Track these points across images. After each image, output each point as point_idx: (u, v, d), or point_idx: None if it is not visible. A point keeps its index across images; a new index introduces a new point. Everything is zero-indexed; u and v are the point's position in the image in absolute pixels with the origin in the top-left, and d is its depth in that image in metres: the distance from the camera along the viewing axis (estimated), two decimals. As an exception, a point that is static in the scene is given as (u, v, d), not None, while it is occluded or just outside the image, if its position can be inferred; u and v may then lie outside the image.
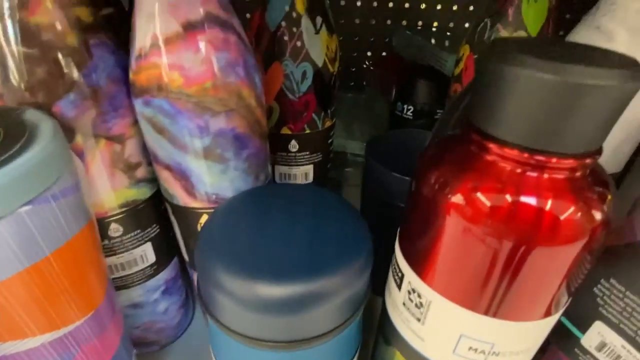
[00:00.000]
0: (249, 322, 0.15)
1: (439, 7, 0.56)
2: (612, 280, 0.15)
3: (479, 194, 0.13)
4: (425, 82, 0.34)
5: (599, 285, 0.16)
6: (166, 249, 0.26)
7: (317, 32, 0.24)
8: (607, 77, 0.10)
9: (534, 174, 0.12)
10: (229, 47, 0.19)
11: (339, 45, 0.27)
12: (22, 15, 0.16)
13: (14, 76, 0.17)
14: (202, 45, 0.18)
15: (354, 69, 0.62)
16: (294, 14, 0.23)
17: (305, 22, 0.24)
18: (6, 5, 0.16)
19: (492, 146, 0.12)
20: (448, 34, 0.53)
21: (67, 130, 0.18)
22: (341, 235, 0.17)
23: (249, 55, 0.20)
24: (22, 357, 0.16)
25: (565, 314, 0.18)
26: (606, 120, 0.11)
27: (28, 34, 0.16)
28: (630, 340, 0.15)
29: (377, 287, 0.30)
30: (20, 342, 0.15)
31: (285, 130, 0.27)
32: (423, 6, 0.56)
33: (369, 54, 0.60)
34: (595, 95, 0.10)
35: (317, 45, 0.24)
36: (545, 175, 0.12)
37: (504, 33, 0.26)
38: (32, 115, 0.16)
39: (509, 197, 0.12)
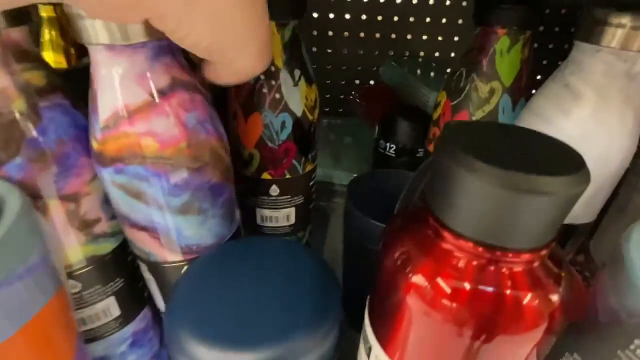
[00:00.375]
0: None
1: (424, 37, 0.57)
2: (576, 355, 0.15)
3: (437, 280, 0.13)
4: (406, 122, 0.35)
5: (563, 359, 0.16)
6: (133, 302, 0.25)
7: (296, 84, 0.25)
8: (553, 185, 0.10)
9: (491, 267, 0.12)
10: (196, 107, 0.19)
11: (324, 82, 0.27)
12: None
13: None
14: (172, 109, 0.18)
15: (342, 97, 0.62)
16: (273, 68, 0.24)
17: (283, 75, 0.24)
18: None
19: (448, 236, 0.12)
20: (433, 64, 0.54)
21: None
22: (309, 296, 0.17)
23: (212, 110, 0.21)
24: None
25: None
26: (558, 217, 0.11)
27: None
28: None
29: (359, 327, 0.30)
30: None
31: (266, 176, 0.28)
32: (409, 36, 0.57)
33: (356, 82, 0.61)
34: (543, 202, 0.10)
35: (296, 96, 0.25)
36: (503, 268, 0.12)
37: (478, 83, 0.27)
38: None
39: (467, 285, 0.12)
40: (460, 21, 0.56)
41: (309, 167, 0.29)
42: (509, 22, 0.25)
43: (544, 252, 0.12)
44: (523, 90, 0.27)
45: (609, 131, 0.22)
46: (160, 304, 0.25)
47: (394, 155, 0.36)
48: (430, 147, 0.31)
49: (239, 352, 0.15)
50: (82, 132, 0.20)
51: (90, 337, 0.24)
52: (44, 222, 0.18)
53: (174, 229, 0.20)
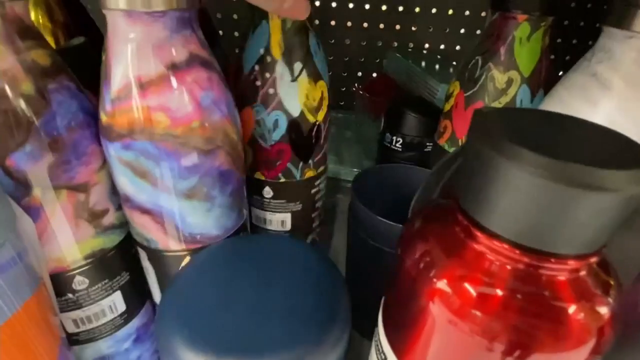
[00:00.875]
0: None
1: (430, 29, 0.55)
2: (613, 371, 0.14)
3: (466, 285, 0.11)
4: (414, 115, 0.33)
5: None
6: (137, 296, 0.24)
7: (294, 79, 0.22)
8: (617, 180, 0.09)
9: (529, 273, 0.10)
10: (213, 86, 0.18)
11: (329, 67, 0.25)
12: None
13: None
14: (187, 85, 0.17)
15: (344, 89, 0.61)
16: (269, 59, 0.22)
17: (280, 68, 0.22)
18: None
19: (480, 236, 0.11)
20: (439, 56, 0.52)
21: (23, 184, 0.16)
22: (316, 303, 0.15)
23: (228, 92, 0.19)
24: None
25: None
26: (615, 220, 0.10)
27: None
28: None
29: (365, 330, 0.28)
30: None
31: (259, 176, 0.26)
32: (414, 28, 0.55)
33: (359, 74, 0.59)
34: (602, 200, 0.09)
35: (293, 93, 0.23)
36: (542, 276, 0.10)
37: (495, 72, 0.25)
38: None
39: (499, 292, 0.11)
40: (467, 12, 0.54)
41: (309, 174, 0.26)
42: (530, 7, 0.23)
43: (593, 260, 0.10)
44: (542, 81, 0.25)
45: (638, 125, 0.20)
46: (157, 296, 0.23)
47: (400, 149, 0.34)
48: (441, 141, 0.29)
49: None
50: (90, 117, 0.18)
51: (94, 335, 0.22)
52: (26, 220, 0.17)
53: (178, 214, 0.19)
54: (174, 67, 0.17)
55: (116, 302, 0.23)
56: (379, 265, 0.25)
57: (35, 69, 0.16)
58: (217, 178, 0.19)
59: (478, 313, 0.11)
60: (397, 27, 0.56)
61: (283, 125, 0.23)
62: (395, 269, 0.14)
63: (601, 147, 0.10)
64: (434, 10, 0.54)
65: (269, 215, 0.28)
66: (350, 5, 0.54)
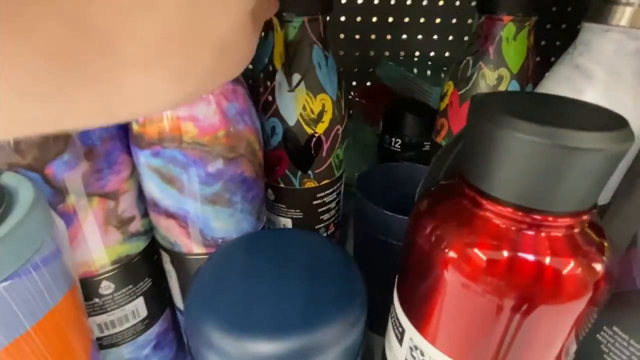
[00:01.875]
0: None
1: (419, 37, 0.58)
2: (615, 328, 0.15)
3: (475, 250, 0.12)
4: (412, 116, 0.35)
5: (602, 332, 0.15)
6: (158, 302, 0.25)
7: (292, 90, 0.24)
8: (600, 140, 0.10)
9: (531, 232, 0.12)
10: (237, 97, 0.19)
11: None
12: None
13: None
14: (214, 96, 0.18)
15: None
16: (271, 68, 0.24)
17: (279, 77, 0.24)
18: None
19: (486, 203, 0.12)
20: (429, 63, 0.55)
21: (59, 191, 0.18)
22: (334, 287, 0.16)
23: (251, 104, 0.20)
24: None
25: None
26: (601, 179, 0.11)
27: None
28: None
29: (374, 324, 0.29)
30: None
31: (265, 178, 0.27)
32: (404, 37, 0.58)
33: (353, 84, 0.61)
34: (588, 158, 0.10)
35: (290, 103, 0.24)
36: (543, 233, 0.12)
37: (486, 70, 0.27)
38: (9, 178, 0.15)
39: (506, 254, 0.12)
40: (454, 20, 0.56)
41: (310, 184, 0.27)
42: (514, 9, 0.25)
43: (585, 217, 0.12)
44: (530, 76, 0.27)
45: (623, 110, 0.22)
46: (178, 299, 0.24)
47: (399, 149, 0.36)
48: (439, 139, 0.31)
49: (265, 342, 0.14)
50: (120, 129, 0.20)
51: (117, 340, 0.23)
52: (60, 225, 0.18)
53: (202, 218, 0.20)
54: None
55: (139, 307, 0.24)
56: (387, 258, 0.26)
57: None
58: (239, 184, 0.21)
59: (488, 274, 0.12)
60: (388, 37, 0.58)
61: (280, 132, 0.25)
62: (407, 248, 0.15)
63: (586, 117, 0.11)
64: (422, 20, 0.57)
65: (272, 217, 0.29)
66: (342, 18, 0.56)
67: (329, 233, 0.31)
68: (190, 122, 0.18)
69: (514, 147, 0.11)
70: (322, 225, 0.30)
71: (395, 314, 0.17)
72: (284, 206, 0.28)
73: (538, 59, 0.28)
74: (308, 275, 0.17)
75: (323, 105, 0.25)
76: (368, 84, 0.61)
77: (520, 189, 0.11)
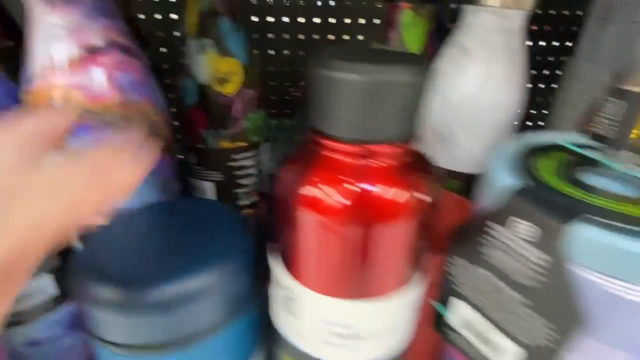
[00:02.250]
0: (126, 329, 0.15)
1: (360, 37, 0.60)
2: (455, 257, 0.17)
3: (320, 185, 0.14)
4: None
5: (448, 264, 0.17)
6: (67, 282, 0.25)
7: (203, 52, 0.25)
8: (399, 73, 0.12)
9: (362, 162, 0.13)
10: (132, 69, 0.20)
11: (258, 74, 0.28)
12: None
13: None
14: (104, 67, 0.19)
15: (287, 98, 0.64)
16: (186, 35, 0.25)
17: (193, 43, 0.25)
18: None
19: (326, 142, 0.14)
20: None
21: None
22: (218, 242, 0.17)
23: (151, 77, 0.21)
24: None
25: (434, 297, 0.19)
26: (408, 111, 0.13)
27: None
28: (483, 313, 0.16)
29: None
30: None
31: (185, 142, 0.29)
32: (346, 37, 0.60)
33: (302, 83, 0.63)
34: (392, 90, 0.12)
35: (201, 65, 0.26)
36: (372, 163, 0.13)
37: (390, 54, 0.29)
38: None
39: (345, 185, 0.14)
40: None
41: (225, 145, 0.29)
42: (411, -2, 0.27)
43: (401, 147, 0.13)
44: (429, 57, 0.29)
45: (497, 82, 0.24)
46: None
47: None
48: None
49: (145, 290, 0.15)
50: (14, 100, 0.20)
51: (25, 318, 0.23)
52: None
53: None
54: (89, 50, 0.19)
55: (46, 284, 0.24)
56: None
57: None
58: None
59: (335, 203, 0.14)
60: (331, 37, 0.60)
61: (194, 92, 0.26)
62: (272, 204, 0.16)
63: (395, 58, 0.13)
64: (362, 21, 0.59)
65: (196, 182, 0.30)
66: (285, 19, 0.58)
67: (251, 202, 0.32)
68: (78, 90, 0.18)
69: (331, 84, 0.12)
70: (242, 190, 0.31)
71: (273, 269, 0.18)
72: (203, 168, 0.29)
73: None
74: (195, 233, 0.18)
75: (231, 68, 0.27)
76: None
77: (347, 124, 0.13)
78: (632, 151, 0.17)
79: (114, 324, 0.15)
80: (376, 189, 0.13)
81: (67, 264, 0.25)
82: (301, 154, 0.15)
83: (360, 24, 0.59)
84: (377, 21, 0.59)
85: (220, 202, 0.21)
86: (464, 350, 0.18)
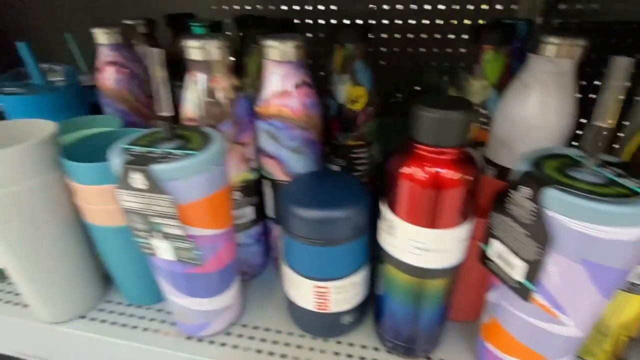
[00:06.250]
0: (305, 229, 0.31)
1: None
2: (493, 212, 0.28)
3: (413, 167, 0.27)
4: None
5: (489, 217, 0.29)
6: (259, 212, 0.43)
7: (343, 83, 0.40)
8: (455, 113, 0.25)
9: (435, 156, 0.27)
10: (312, 96, 0.36)
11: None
12: (207, 85, 0.34)
13: (201, 112, 0.35)
14: (300, 95, 0.35)
15: (392, 100, 0.77)
16: (332, 71, 0.40)
17: (336, 76, 0.40)
18: (202, 80, 0.34)
19: (417, 144, 0.27)
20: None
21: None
22: (353, 193, 0.32)
23: (319, 100, 0.37)
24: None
25: (480, 239, 0.31)
26: (462, 131, 0.25)
27: (211, 92, 0.34)
28: (506, 245, 0.28)
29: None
30: (204, 230, 0.32)
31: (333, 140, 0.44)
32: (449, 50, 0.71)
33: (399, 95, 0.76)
34: (451, 122, 0.25)
35: (341, 90, 0.40)
36: (441, 157, 0.26)
37: (472, 80, 0.40)
38: (208, 130, 0.33)
39: (427, 169, 0.27)
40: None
41: (351, 142, 0.44)
42: (492, 41, 0.38)
43: (456, 150, 0.26)
44: (503, 86, 0.40)
45: (549, 111, 0.34)
46: (270, 210, 0.42)
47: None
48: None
49: (319, 210, 0.30)
50: (250, 109, 0.37)
51: (238, 229, 0.41)
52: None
53: (288, 160, 0.37)
54: (294, 86, 0.35)
55: (249, 213, 0.41)
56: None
57: (232, 88, 0.35)
58: (309, 142, 0.37)
59: (420, 177, 0.27)
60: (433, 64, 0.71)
61: (334, 107, 0.41)
62: (387, 178, 0.30)
63: (456, 103, 0.25)
64: (425, 22, 0.69)
65: (329, 166, 0.46)
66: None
67: (364, 182, 0.46)
68: (286, 108, 0.34)
69: (422, 117, 0.26)
70: (357, 173, 0.46)
71: (380, 206, 0.32)
72: (334, 157, 0.44)
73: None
74: (340, 189, 0.33)
75: (360, 94, 0.41)
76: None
77: (429, 136, 0.26)
78: (605, 162, 0.27)
79: (301, 226, 0.31)
80: (442, 171, 0.26)
81: (259, 203, 0.42)
82: (404, 149, 0.29)
83: (454, 56, 0.70)
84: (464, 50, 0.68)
85: (350, 174, 0.36)
86: (497, 273, 0.30)
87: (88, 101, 0.49)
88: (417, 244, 0.29)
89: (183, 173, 0.28)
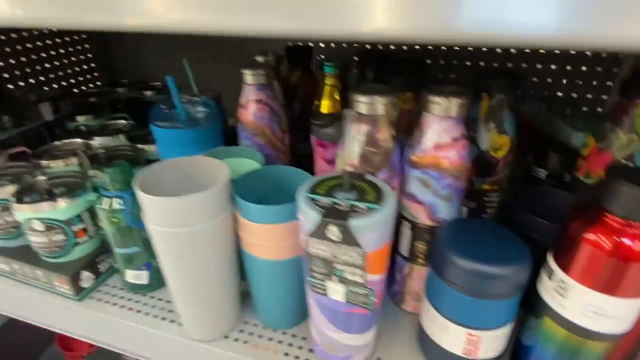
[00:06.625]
0: (469, 281, 0.32)
1: (564, 81, 0.69)
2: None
3: (599, 234, 0.28)
4: (556, 154, 0.49)
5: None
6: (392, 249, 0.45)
7: (488, 131, 0.41)
8: None
9: (628, 229, 0.27)
10: (466, 148, 0.37)
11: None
12: (371, 136, 0.36)
13: (363, 160, 0.37)
14: (458, 147, 0.36)
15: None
16: (478, 118, 0.41)
17: (482, 125, 0.41)
18: (367, 132, 0.36)
19: (606, 214, 0.28)
20: (570, 105, 0.66)
21: (373, 184, 0.38)
22: (513, 249, 0.33)
23: (468, 149, 0.38)
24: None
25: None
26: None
27: (373, 143, 0.36)
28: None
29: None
30: (377, 276, 0.34)
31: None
32: (549, 80, 0.70)
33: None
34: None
35: (485, 138, 0.41)
36: (632, 230, 0.27)
37: (620, 134, 0.40)
38: (376, 180, 0.35)
39: (614, 238, 0.28)
40: (599, 69, 0.67)
41: (485, 187, 0.45)
42: (645, 96, 0.38)
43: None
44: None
45: None
46: (404, 248, 0.43)
47: (544, 178, 0.50)
48: (578, 174, 0.45)
49: (482, 264, 0.32)
50: (401, 157, 0.39)
51: None
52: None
53: (436, 206, 0.39)
54: (452, 139, 0.36)
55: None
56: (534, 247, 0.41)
57: (392, 138, 0.37)
58: (458, 190, 0.38)
59: (607, 246, 0.28)
60: (534, 79, 0.71)
61: (474, 153, 0.42)
62: (566, 229, 0.31)
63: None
64: (568, 68, 0.68)
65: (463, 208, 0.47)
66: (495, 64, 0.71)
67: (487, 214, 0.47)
68: (445, 159, 0.36)
69: (622, 194, 0.26)
70: (485, 215, 0.46)
71: (549, 265, 0.33)
72: (466, 199, 0.46)
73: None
74: (497, 242, 0.34)
75: (503, 142, 0.42)
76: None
77: (624, 209, 0.27)
78: None
79: (465, 277, 0.33)
80: (631, 243, 0.27)
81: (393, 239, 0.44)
82: (585, 213, 0.30)
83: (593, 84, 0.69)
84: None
85: (502, 224, 0.37)
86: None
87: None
88: (595, 308, 0.30)
89: (374, 227, 0.30)
